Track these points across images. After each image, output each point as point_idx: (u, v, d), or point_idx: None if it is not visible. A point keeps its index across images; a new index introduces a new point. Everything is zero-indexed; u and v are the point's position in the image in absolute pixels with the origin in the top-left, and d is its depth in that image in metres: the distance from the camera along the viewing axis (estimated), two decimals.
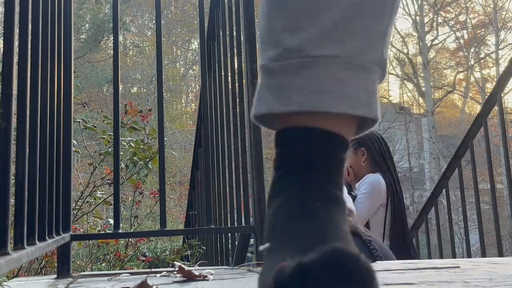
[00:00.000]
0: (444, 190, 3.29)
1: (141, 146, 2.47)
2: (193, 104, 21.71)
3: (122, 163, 2.51)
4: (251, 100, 1.36)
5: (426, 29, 19.25)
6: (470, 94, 22.02)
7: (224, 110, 1.64)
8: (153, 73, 17.34)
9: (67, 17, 1.27)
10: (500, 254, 2.63)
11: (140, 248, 3.03)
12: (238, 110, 1.48)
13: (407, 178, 16.87)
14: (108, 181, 2.54)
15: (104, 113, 3.44)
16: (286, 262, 0.53)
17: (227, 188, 1.60)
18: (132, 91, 18.71)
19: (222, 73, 1.66)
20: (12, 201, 0.78)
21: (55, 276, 1.22)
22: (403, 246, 2.45)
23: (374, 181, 2.53)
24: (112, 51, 1.42)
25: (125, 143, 2.48)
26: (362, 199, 2.47)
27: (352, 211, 2.14)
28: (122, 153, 2.48)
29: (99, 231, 2.79)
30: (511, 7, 19.77)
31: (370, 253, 1.86)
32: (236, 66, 1.47)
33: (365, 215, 2.47)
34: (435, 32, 19.96)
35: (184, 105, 22.36)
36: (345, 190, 2.25)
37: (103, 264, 2.99)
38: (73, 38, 1.32)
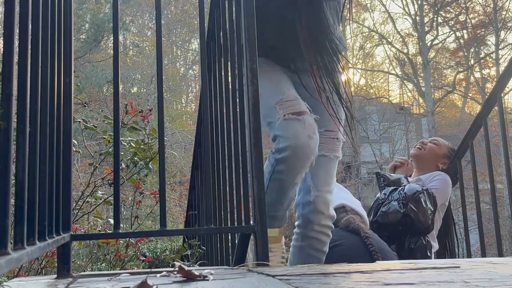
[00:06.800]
0: None
1: (142, 146, 2.47)
2: (193, 104, 21.71)
3: (122, 163, 2.51)
4: (251, 100, 1.36)
5: (426, 29, 19.25)
6: (470, 94, 22.02)
7: (224, 110, 1.64)
8: (153, 73, 17.33)
9: (67, 17, 1.27)
10: (500, 254, 2.63)
11: (140, 248, 3.02)
12: (238, 110, 1.48)
13: None
14: (109, 181, 2.54)
15: (104, 113, 3.44)
16: None
17: (227, 188, 1.60)
18: (132, 91, 18.70)
19: (222, 73, 1.66)
20: (12, 201, 0.78)
21: (55, 276, 1.21)
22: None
23: (447, 180, 2.66)
24: (112, 51, 1.42)
25: (125, 143, 2.48)
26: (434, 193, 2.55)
27: (361, 215, 2.15)
28: (122, 153, 2.47)
29: (99, 231, 2.79)
30: (511, 7, 19.76)
31: (367, 248, 1.88)
32: (236, 66, 1.47)
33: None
34: (435, 32, 19.96)
35: (184, 105, 22.36)
36: (348, 193, 2.29)
37: (103, 264, 2.99)
38: (73, 38, 1.32)
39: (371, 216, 2.41)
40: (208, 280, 1.01)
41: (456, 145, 3.05)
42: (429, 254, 2.42)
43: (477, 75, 21.33)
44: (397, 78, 21.72)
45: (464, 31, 20.65)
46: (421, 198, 2.41)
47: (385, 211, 2.38)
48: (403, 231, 2.35)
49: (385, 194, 2.46)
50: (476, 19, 20.66)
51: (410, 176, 2.89)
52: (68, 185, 1.23)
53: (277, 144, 1.73)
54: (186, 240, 2.49)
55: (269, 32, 1.90)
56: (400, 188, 2.47)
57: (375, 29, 21.31)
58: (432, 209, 2.47)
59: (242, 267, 1.26)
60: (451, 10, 20.47)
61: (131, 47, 19.83)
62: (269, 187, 1.75)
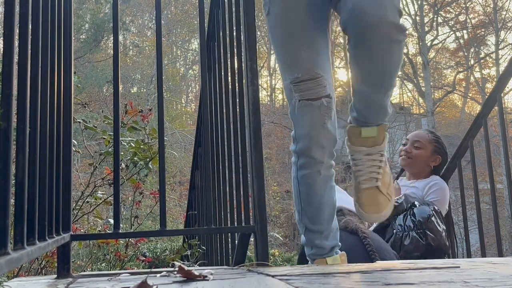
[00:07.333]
0: None
1: (142, 146, 2.47)
2: (193, 104, 21.70)
3: (122, 163, 2.51)
4: (251, 100, 1.36)
5: (426, 29, 19.24)
6: (470, 94, 22.01)
7: (224, 110, 1.64)
8: (153, 73, 17.32)
9: (67, 17, 1.27)
10: (500, 254, 2.63)
11: (140, 248, 3.03)
12: (238, 110, 1.48)
13: None
14: (109, 181, 2.54)
15: (104, 113, 3.44)
16: None
17: (227, 188, 1.60)
18: (132, 91, 18.69)
19: (222, 73, 1.66)
20: (12, 201, 0.78)
21: (55, 276, 1.22)
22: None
23: (444, 187, 2.67)
24: (112, 51, 1.42)
25: (125, 143, 2.48)
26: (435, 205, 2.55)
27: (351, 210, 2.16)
28: (122, 153, 2.48)
29: (99, 231, 2.79)
30: (511, 7, 19.76)
31: (364, 248, 1.89)
32: (236, 66, 1.47)
33: None
34: (435, 32, 19.95)
35: (184, 105, 22.35)
36: (345, 194, 2.30)
37: (103, 264, 2.99)
38: (73, 38, 1.32)
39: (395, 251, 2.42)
40: (208, 280, 1.01)
41: (456, 145, 3.04)
42: None
43: (477, 75, 21.33)
44: (397, 78, 21.71)
45: (464, 31, 20.64)
46: (434, 221, 2.42)
47: (408, 244, 2.39)
48: (426, 256, 2.38)
49: (400, 225, 2.47)
50: (476, 19, 20.66)
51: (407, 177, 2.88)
52: (68, 185, 1.23)
53: (292, 131, 1.69)
54: (186, 240, 2.49)
55: None
56: (409, 213, 2.47)
57: None
58: (445, 228, 2.48)
59: (242, 267, 1.27)
60: (451, 10, 20.46)
61: (131, 47, 19.83)
62: (300, 191, 1.67)
